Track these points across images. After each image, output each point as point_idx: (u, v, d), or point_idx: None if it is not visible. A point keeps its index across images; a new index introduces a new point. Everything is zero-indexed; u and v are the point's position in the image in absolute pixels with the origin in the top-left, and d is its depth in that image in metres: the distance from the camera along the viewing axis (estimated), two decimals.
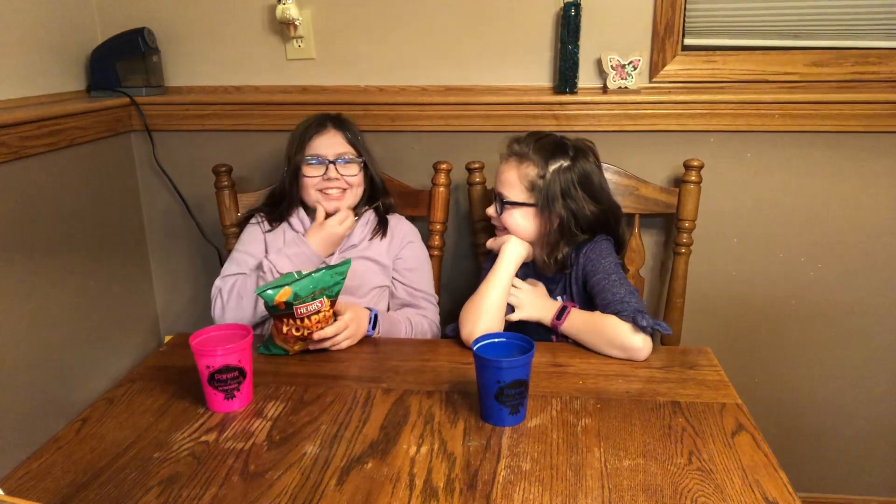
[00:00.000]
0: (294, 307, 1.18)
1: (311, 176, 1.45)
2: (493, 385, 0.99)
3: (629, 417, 1.04)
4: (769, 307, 1.73)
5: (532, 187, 1.35)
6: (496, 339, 1.07)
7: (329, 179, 1.45)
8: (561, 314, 1.31)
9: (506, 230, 1.39)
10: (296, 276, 1.19)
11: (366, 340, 1.32)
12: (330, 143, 1.47)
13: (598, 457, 0.94)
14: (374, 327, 1.34)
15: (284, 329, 1.21)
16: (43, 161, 1.46)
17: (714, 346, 1.29)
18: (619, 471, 0.91)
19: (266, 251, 1.47)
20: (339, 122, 1.51)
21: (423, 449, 0.97)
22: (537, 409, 1.06)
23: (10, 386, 1.39)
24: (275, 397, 1.11)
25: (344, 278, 1.24)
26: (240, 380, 1.07)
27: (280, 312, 1.19)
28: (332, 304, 1.24)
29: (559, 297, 1.42)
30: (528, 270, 1.46)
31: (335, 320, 1.26)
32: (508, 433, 1.00)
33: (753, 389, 1.78)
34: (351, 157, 1.47)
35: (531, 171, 1.35)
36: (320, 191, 1.46)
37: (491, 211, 1.41)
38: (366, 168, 1.51)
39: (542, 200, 1.34)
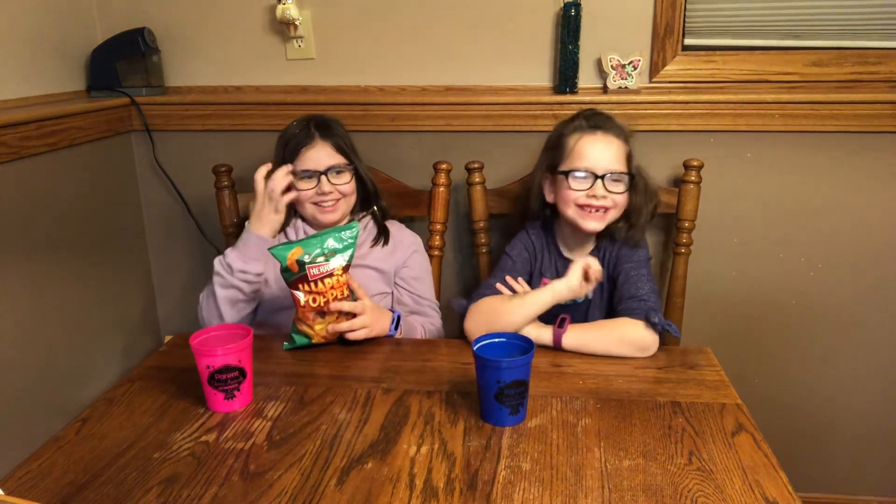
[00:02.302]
0: (307, 267, 1.20)
1: (305, 189, 1.44)
2: (493, 385, 0.99)
3: (629, 417, 1.04)
4: (769, 307, 1.73)
5: (629, 166, 1.36)
6: (496, 340, 1.07)
7: (323, 193, 1.43)
8: (561, 323, 1.26)
9: (608, 210, 1.33)
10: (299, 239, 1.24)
11: (367, 340, 1.32)
12: (319, 157, 1.44)
13: (598, 457, 0.94)
14: (396, 328, 1.34)
15: (302, 300, 1.22)
16: (43, 161, 1.46)
17: (714, 346, 1.29)
18: (619, 471, 0.91)
19: None
20: (326, 130, 1.46)
21: (423, 449, 0.97)
22: (537, 409, 1.06)
23: (10, 386, 1.39)
24: (275, 397, 1.11)
25: (353, 243, 1.26)
26: (240, 380, 1.07)
27: (294, 276, 1.21)
28: (345, 270, 1.25)
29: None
30: (554, 255, 1.43)
31: (352, 297, 1.27)
32: (508, 433, 1.00)
33: (753, 389, 1.78)
34: (341, 166, 1.45)
35: (628, 146, 1.37)
36: (315, 203, 1.45)
37: (600, 191, 1.30)
38: (357, 172, 1.49)
39: (638, 175, 1.37)
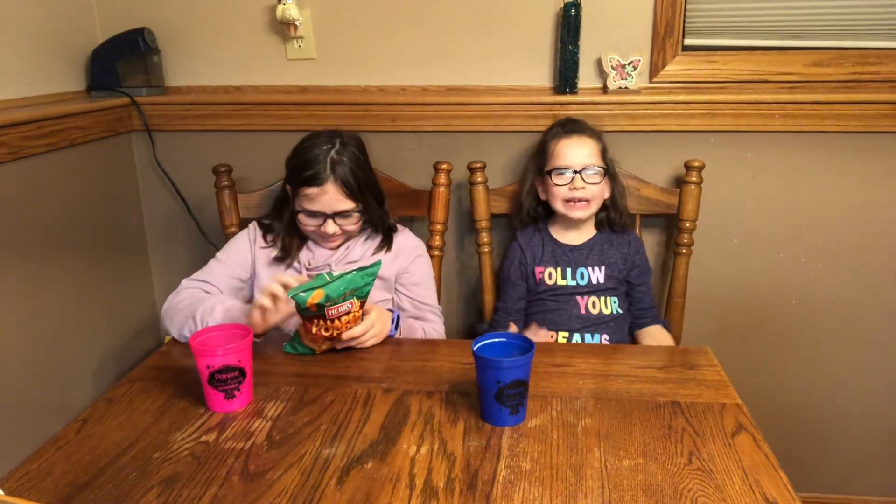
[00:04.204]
0: (325, 309, 1.17)
1: (309, 225, 1.41)
2: (493, 385, 0.99)
3: (629, 417, 1.04)
4: (769, 307, 1.73)
5: (604, 161, 1.52)
6: (496, 339, 1.07)
7: (326, 234, 1.40)
8: None
9: (589, 201, 1.50)
10: (327, 279, 1.19)
11: None
12: (328, 201, 1.36)
13: (598, 457, 0.94)
14: (395, 328, 1.34)
15: (314, 330, 1.21)
16: (43, 161, 1.46)
17: (714, 346, 1.29)
18: (619, 471, 0.91)
19: (254, 266, 1.45)
20: (340, 170, 1.36)
21: (423, 449, 0.97)
22: (537, 409, 1.06)
23: (10, 386, 1.39)
24: (275, 397, 1.11)
25: (374, 279, 1.23)
26: (240, 380, 1.07)
27: (311, 314, 1.19)
28: (362, 304, 1.24)
29: (593, 267, 1.55)
30: (549, 245, 1.57)
31: (363, 319, 1.26)
32: (508, 433, 1.00)
33: (753, 389, 1.78)
34: (350, 210, 1.39)
35: (601, 145, 1.53)
36: (318, 234, 1.42)
37: (579, 183, 1.48)
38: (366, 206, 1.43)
39: (612, 170, 1.55)
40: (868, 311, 1.71)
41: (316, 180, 1.35)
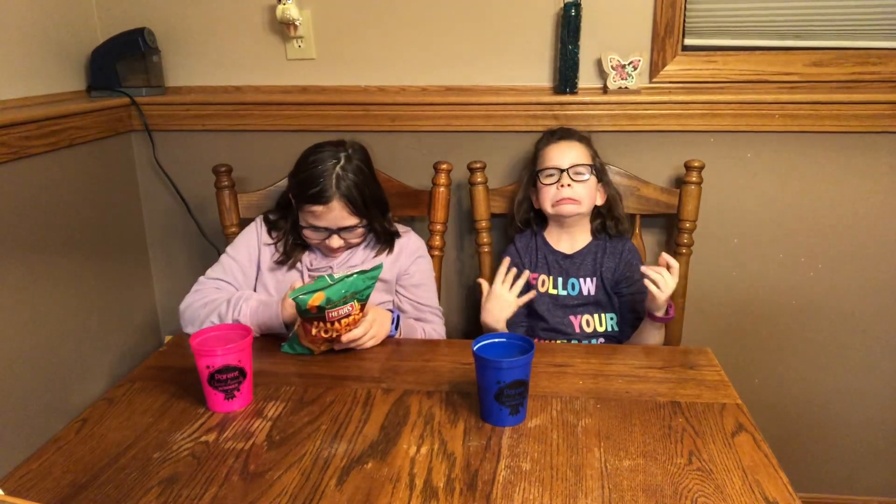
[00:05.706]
0: (326, 311, 1.17)
1: (314, 238, 1.41)
2: (493, 385, 0.99)
3: (629, 417, 1.04)
4: (769, 307, 1.73)
5: (593, 163, 1.51)
6: (496, 340, 1.07)
7: (331, 247, 1.40)
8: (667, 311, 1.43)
9: (578, 201, 1.47)
10: (329, 281, 1.18)
11: None
12: (334, 218, 1.36)
13: (598, 457, 0.94)
14: (395, 328, 1.34)
15: (314, 331, 1.21)
16: (43, 161, 1.46)
17: (714, 346, 1.30)
18: (619, 471, 0.91)
19: (259, 263, 1.46)
20: (344, 190, 1.34)
21: (423, 449, 0.97)
22: (537, 409, 1.06)
23: (10, 386, 1.39)
24: (275, 397, 1.11)
25: (375, 282, 1.22)
26: (240, 380, 1.07)
27: (311, 316, 1.18)
28: (363, 307, 1.23)
29: (585, 279, 1.52)
30: (543, 251, 1.55)
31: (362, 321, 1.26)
32: (508, 433, 1.00)
33: (753, 389, 1.78)
34: (355, 225, 1.39)
35: (590, 150, 1.53)
36: (323, 246, 1.42)
37: (566, 180, 1.48)
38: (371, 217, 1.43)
39: (602, 174, 1.54)
40: (868, 312, 1.71)
41: (321, 198, 1.34)
